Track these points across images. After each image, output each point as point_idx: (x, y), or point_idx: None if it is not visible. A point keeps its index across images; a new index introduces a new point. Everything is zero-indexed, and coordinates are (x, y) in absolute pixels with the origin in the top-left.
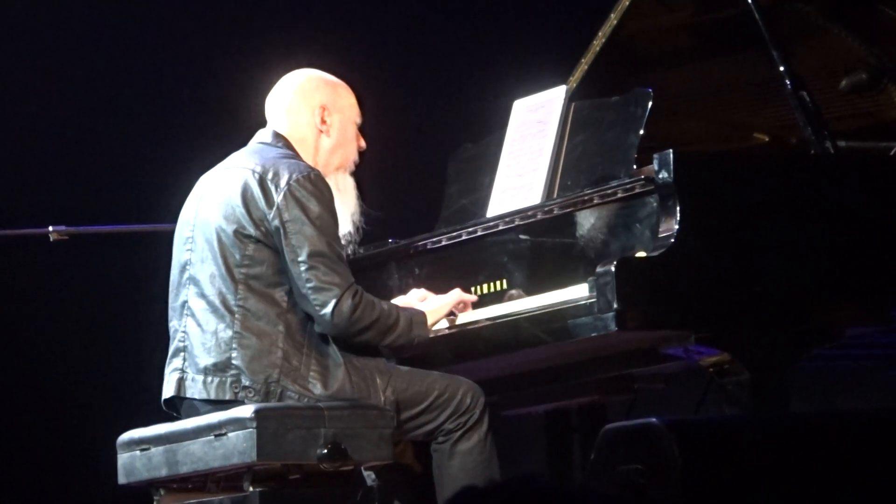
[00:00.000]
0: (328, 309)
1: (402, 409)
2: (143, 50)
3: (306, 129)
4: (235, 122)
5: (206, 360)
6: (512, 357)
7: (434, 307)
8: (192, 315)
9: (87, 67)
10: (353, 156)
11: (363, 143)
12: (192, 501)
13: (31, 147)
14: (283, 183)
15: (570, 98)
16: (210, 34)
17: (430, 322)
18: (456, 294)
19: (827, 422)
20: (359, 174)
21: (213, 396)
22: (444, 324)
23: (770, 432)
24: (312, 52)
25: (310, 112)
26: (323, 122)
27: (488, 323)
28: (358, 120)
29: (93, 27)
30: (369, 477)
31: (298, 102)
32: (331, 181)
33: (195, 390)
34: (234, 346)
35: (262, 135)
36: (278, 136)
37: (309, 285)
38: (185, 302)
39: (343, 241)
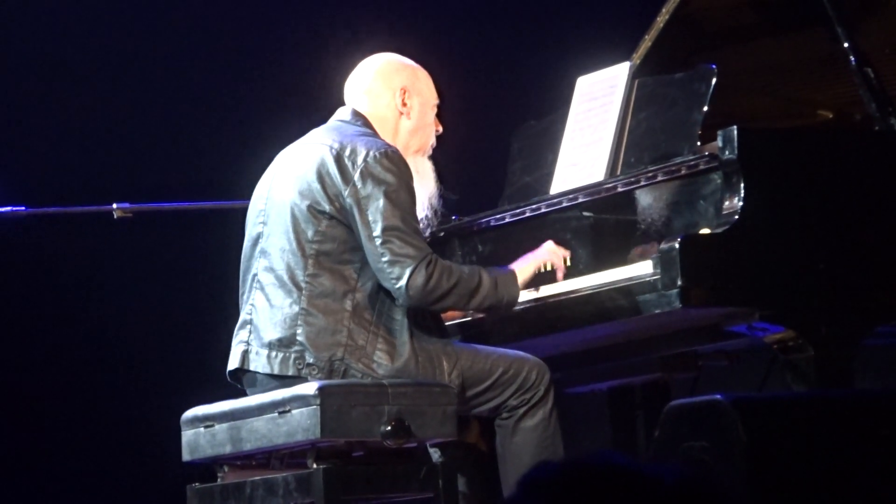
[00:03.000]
0: (403, 282)
1: (466, 387)
2: (215, 26)
3: (386, 111)
4: (305, 103)
5: (271, 334)
6: (575, 333)
7: (523, 265)
8: (261, 289)
9: (156, 44)
10: (431, 139)
11: (440, 128)
12: (255, 478)
13: (96, 124)
14: (360, 160)
15: (634, 75)
16: (282, 11)
17: (520, 280)
18: (546, 248)
19: (891, 399)
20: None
21: (276, 371)
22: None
23: (834, 409)
24: (379, 31)
25: (390, 94)
26: (404, 104)
27: (552, 299)
28: (436, 104)
29: (165, 3)
30: (434, 453)
31: (379, 84)
32: (409, 163)
33: (258, 364)
34: (299, 322)
35: (342, 112)
36: (358, 115)
37: (384, 259)
38: (255, 275)
39: (421, 225)
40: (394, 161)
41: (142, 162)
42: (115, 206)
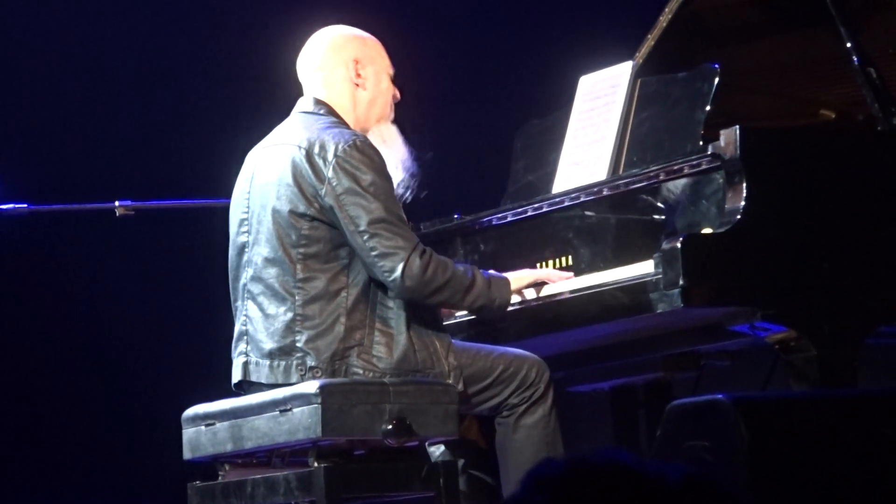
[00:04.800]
0: (398, 273)
1: (467, 385)
2: (224, 20)
3: (342, 85)
4: (287, 91)
5: (269, 344)
6: (578, 332)
7: (519, 275)
8: (253, 298)
9: (160, 39)
10: (390, 105)
11: (398, 94)
12: (256, 477)
13: (98, 121)
14: (330, 156)
15: (637, 74)
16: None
17: (513, 287)
18: (548, 270)
19: (894, 399)
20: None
21: (280, 381)
22: (516, 298)
23: (837, 409)
24: (381, 30)
25: (343, 67)
26: (358, 75)
27: (555, 298)
28: (390, 70)
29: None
30: (437, 451)
31: (330, 59)
32: (374, 133)
33: (261, 375)
34: (296, 328)
35: (303, 103)
36: (319, 103)
37: (374, 253)
38: (245, 285)
39: (399, 190)
40: (364, 151)
41: (144, 159)
42: (117, 203)
